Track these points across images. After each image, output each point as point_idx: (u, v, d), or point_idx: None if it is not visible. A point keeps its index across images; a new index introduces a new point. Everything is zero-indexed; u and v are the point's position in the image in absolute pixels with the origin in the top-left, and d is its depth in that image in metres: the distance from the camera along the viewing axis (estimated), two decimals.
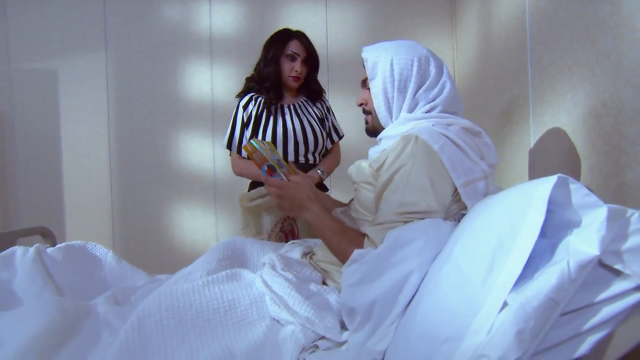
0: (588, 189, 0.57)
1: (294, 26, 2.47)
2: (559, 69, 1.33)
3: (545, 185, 0.57)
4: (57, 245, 1.19)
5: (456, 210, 0.89)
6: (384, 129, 1.00)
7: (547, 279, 0.53)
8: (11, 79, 2.44)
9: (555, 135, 1.34)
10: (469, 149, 0.89)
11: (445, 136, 0.88)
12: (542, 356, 0.55)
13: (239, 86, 1.71)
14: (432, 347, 0.58)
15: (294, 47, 1.55)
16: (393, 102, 0.97)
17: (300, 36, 1.59)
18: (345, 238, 0.90)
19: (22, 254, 1.10)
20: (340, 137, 1.72)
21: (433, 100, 0.96)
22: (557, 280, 0.53)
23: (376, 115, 1.00)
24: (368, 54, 0.99)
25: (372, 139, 1.06)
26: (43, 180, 2.45)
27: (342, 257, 0.89)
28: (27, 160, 2.44)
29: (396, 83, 0.95)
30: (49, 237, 1.38)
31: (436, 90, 0.96)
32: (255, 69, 1.61)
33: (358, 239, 0.89)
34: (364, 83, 1.04)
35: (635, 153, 0.98)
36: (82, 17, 2.45)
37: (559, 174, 0.57)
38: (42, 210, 2.45)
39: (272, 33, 1.65)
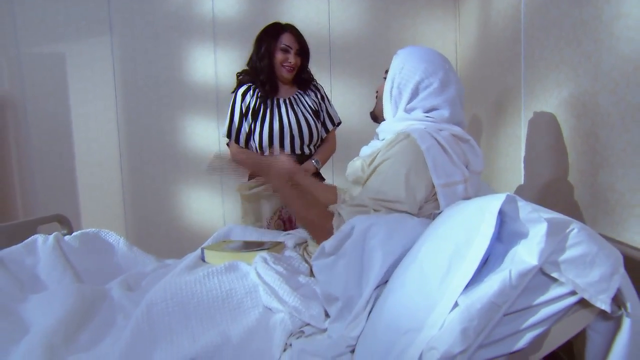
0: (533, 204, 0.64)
1: (296, 9, 2.50)
2: (548, 65, 1.36)
3: (496, 202, 0.65)
4: (74, 233, 1.31)
5: (431, 209, 0.97)
6: (384, 119, 1.11)
7: (491, 285, 0.62)
8: (21, 63, 2.51)
9: (544, 129, 1.39)
10: (454, 154, 0.97)
11: (435, 139, 0.96)
12: (486, 349, 0.64)
13: (242, 69, 1.71)
14: (395, 337, 0.67)
15: (286, 40, 1.58)
16: (392, 100, 1.07)
17: (292, 29, 1.61)
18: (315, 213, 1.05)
19: (43, 242, 1.22)
20: (335, 125, 1.75)
21: (431, 109, 1.04)
22: (499, 286, 0.61)
23: (381, 105, 1.11)
24: (399, 51, 1.09)
25: (372, 123, 1.19)
26: (57, 164, 2.56)
27: (317, 232, 1.04)
28: (41, 145, 2.54)
29: (399, 85, 1.05)
30: (65, 223, 1.50)
31: (437, 100, 1.03)
32: (248, 64, 1.64)
33: (326, 214, 1.02)
34: (386, 73, 1.12)
35: (607, 155, 1.04)
36: (86, 0, 2.48)
37: (508, 193, 0.65)
38: (57, 193, 2.56)
39: (268, 23, 1.66)
